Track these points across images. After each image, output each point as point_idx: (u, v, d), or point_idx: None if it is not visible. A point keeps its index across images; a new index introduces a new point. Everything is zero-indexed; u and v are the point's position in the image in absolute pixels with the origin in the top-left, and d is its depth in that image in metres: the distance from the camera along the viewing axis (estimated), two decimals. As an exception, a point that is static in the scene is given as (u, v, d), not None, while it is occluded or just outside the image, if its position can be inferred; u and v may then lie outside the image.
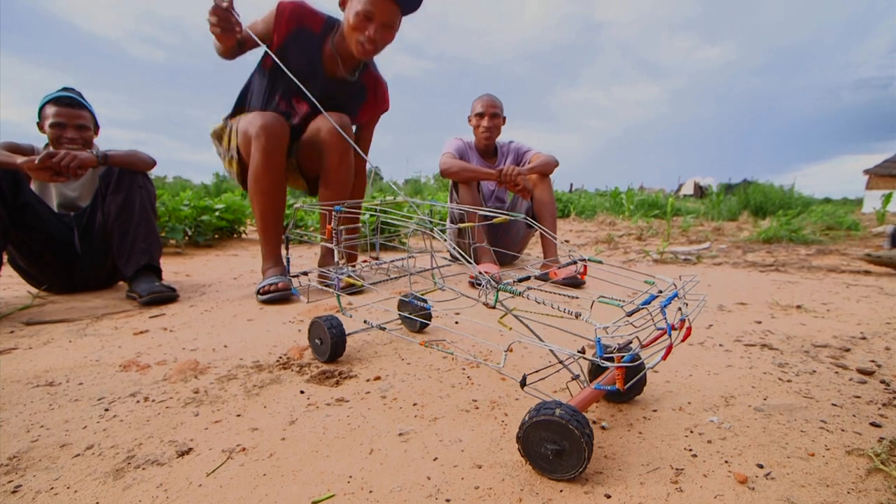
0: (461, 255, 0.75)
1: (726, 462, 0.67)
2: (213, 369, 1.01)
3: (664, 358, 0.64)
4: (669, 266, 2.62)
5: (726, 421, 0.79)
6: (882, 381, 0.96)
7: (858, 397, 0.89)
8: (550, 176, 2.32)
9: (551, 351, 0.69)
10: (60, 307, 1.63)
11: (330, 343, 1.00)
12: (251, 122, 1.69)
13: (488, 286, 0.72)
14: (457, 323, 1.34)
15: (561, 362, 0.71)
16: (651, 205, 7.43)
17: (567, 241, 3.99)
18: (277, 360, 1.05)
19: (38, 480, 0.63)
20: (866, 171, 18.03)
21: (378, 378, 0.95)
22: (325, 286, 1.16)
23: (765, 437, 0.74)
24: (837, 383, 0.95)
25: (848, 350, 1.16)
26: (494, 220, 0.95)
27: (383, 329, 1.06)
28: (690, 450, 0.70)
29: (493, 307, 0.73)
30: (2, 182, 1.55)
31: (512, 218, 0.97)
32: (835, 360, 1.08)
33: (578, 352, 0.74)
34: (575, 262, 0.86)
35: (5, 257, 1.69)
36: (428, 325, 1.24)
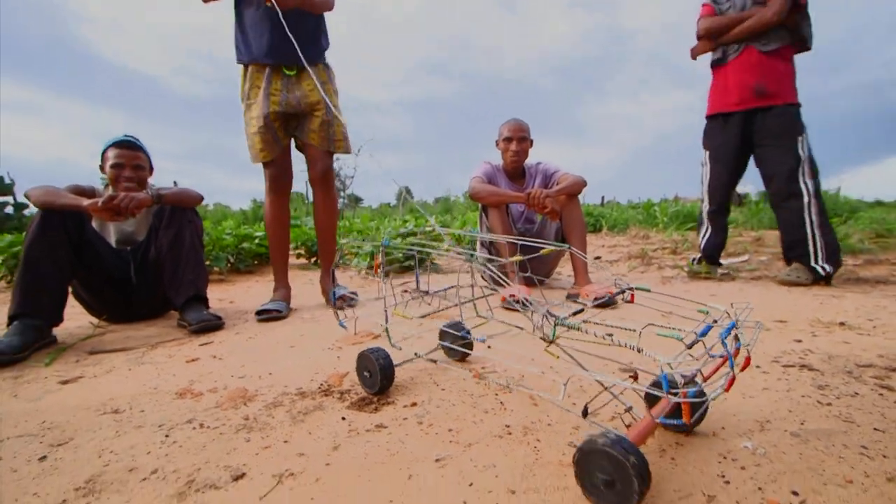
0: (500, 277, 0.78)
1: (759, 489, 0.67)
2: (260, 396, 1.08)
3: (726, 390, 0.65)
4: (706, 283, 2.57)
5: (761, 446, 0.79)
6: (930, 404, 0.93)
7: (903, 421, 0.87)
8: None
9: (606, 388, 0.70)
10: (119, 336, 1.75)
11: (379, 375, 1.01)
12: (266, 172, 2.08)
13: (545, 319, 0.72)
14: (489, 347, 1.37)
15: (614, 396, 0.72)
16: (686, 216, 7.24)
17: (599, 258, 3.95)
18: (319, 387, 1.11)
19: (112, 502, 0.70)
20: (920, 172, 17.06)
21: (414, 404, 1.00)
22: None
23: (801, 463, 0.73)
24: (881, 406, 0.93)
25: (894, 370, 1.13)
26: (542, 252, 0.97)
27: (434, 362, 1.06)
28: (723, 476, 0.71)
29: (552, 342, 0.73)
30: (68, 223, 1.70)
31: (558, 248, 0.98)
32: (879, 381, 1.05)
33: (630, 376, 0.76)
34: (623, 291, 0.87)
35: (70, 290, 1.83)
36: (469, 353, 1.24)
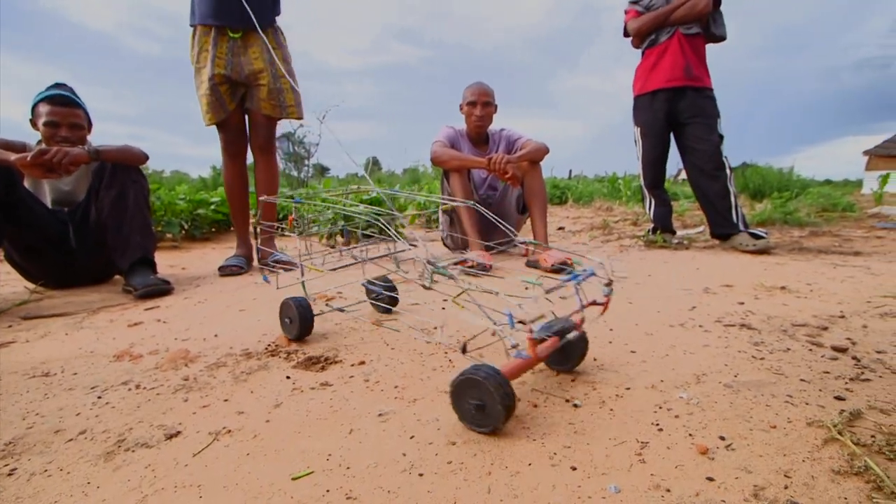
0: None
1: (690, 435, 0.70)
2: (203, 358, 1.04)
3: (577, 328, 0.80)
4: (660, 251, 2.64)
5: (695, 397, 0.81)
6: (854, 358, 0.99)
7: (828, 373, 0.91)
8: (542, 163, 2.34)
9: (493, 323, 0.76)
10: (58, 301, 1.66)
11: (298, 322, 1.09)
12: (220, 135, 2.10)
13: (426, 269, 0.81)
14: (416, 304, 1.38)
15: (514, 338, 0.77)
16: (649, 190, 7.39)
17: (562, 228, 4.00)
18: (266, 348, 1.08)
19: (32, 464, 0.67)
20: (866, 152, 17.99)
21: (362, 363, 0.98)
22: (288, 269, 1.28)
23: (730, 411, 0.77)
24: (809, 360, 0.98)
25: (826, 328, 1.19)
26: (442, 208, 1.04)
27: (342, 311, 1.18)
28: (657, 424, 0.73)
29: (429, 288, 0.83)
30: (-6, 179, 1.57)
31: (464, 203, 1.06)
32: (811, 339, 1.11)
33: (520, 321, 0.80)
34: (516, 244, 0.95)
35: (1, 254, 1.71)
36: (394, 305, 1.34)
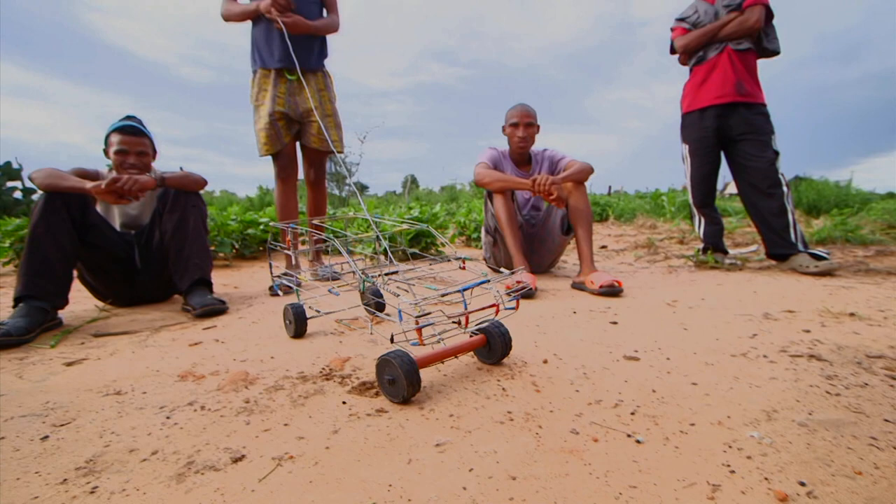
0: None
1: (766, 479, 0.66)
2: (261, 380, 1.07)
3: (466, 325, 0.98)
4: (713, 272, 2.54)
5: (767, 436, 0.77)
6: (942, 396, 0.91)
7: (914, 412, 0.85)
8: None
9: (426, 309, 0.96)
10: (123, 319, 1.76)
11: (295, 323, 1.38)
12: (274, 164, 2.37)
13: (359, 277, 1.04)
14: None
15: (439, 329, 0.79)
16: (694, 206, 7.14)
17: (605, 247, 3.92)
18: (320, 372, 1.11)
19: (111, 482, 0.70)
20: (935, 164, 16.78)
21: (416, 389, 0.99)
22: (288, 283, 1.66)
23: (808, 453, 0.72)
24: (891, 397, 0.91)
25: (906, 361, 1.10)
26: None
27: (318, 312, 1.51)
28: (728, 465, 0.69)
29: (363, 292, 1.14)
30: (72, 205, 1.69)
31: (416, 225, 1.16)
32: (890, 373, 1.03)
33: (455, 322, 0.99)
34: (449, 259, 1.15)
35: (75, 273, 1.84)
36: (381, 310, 1.56)
